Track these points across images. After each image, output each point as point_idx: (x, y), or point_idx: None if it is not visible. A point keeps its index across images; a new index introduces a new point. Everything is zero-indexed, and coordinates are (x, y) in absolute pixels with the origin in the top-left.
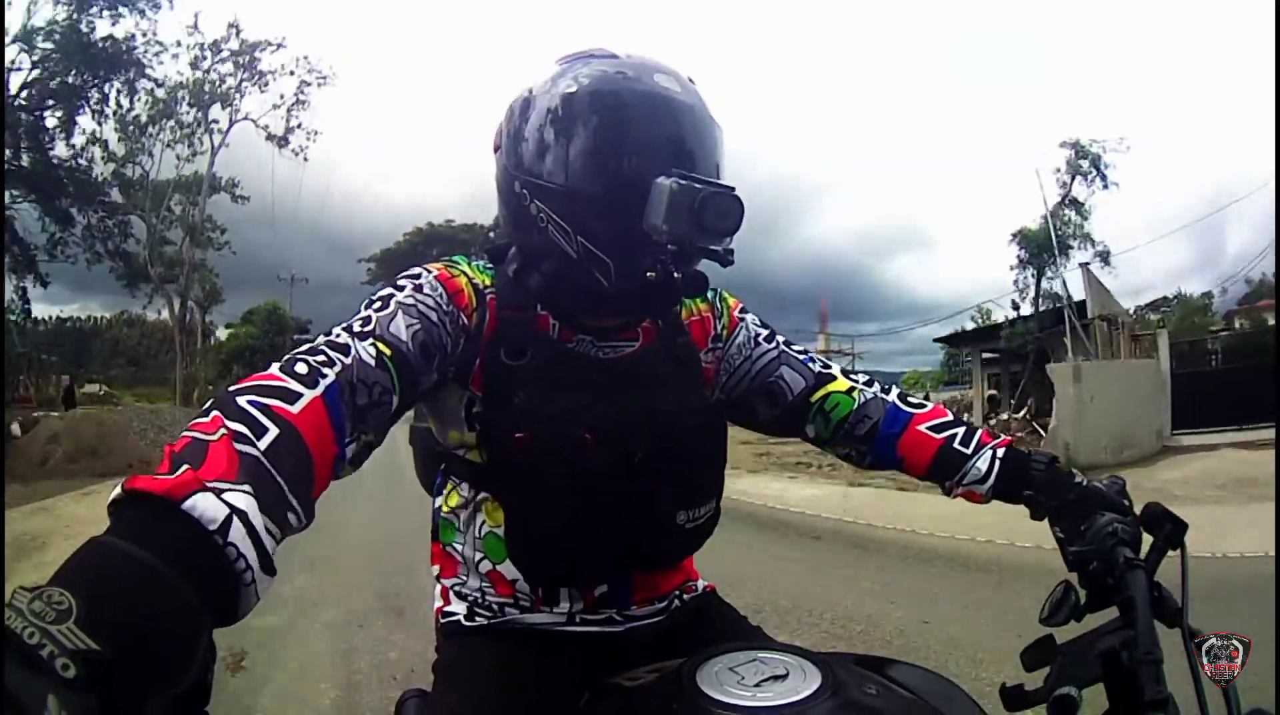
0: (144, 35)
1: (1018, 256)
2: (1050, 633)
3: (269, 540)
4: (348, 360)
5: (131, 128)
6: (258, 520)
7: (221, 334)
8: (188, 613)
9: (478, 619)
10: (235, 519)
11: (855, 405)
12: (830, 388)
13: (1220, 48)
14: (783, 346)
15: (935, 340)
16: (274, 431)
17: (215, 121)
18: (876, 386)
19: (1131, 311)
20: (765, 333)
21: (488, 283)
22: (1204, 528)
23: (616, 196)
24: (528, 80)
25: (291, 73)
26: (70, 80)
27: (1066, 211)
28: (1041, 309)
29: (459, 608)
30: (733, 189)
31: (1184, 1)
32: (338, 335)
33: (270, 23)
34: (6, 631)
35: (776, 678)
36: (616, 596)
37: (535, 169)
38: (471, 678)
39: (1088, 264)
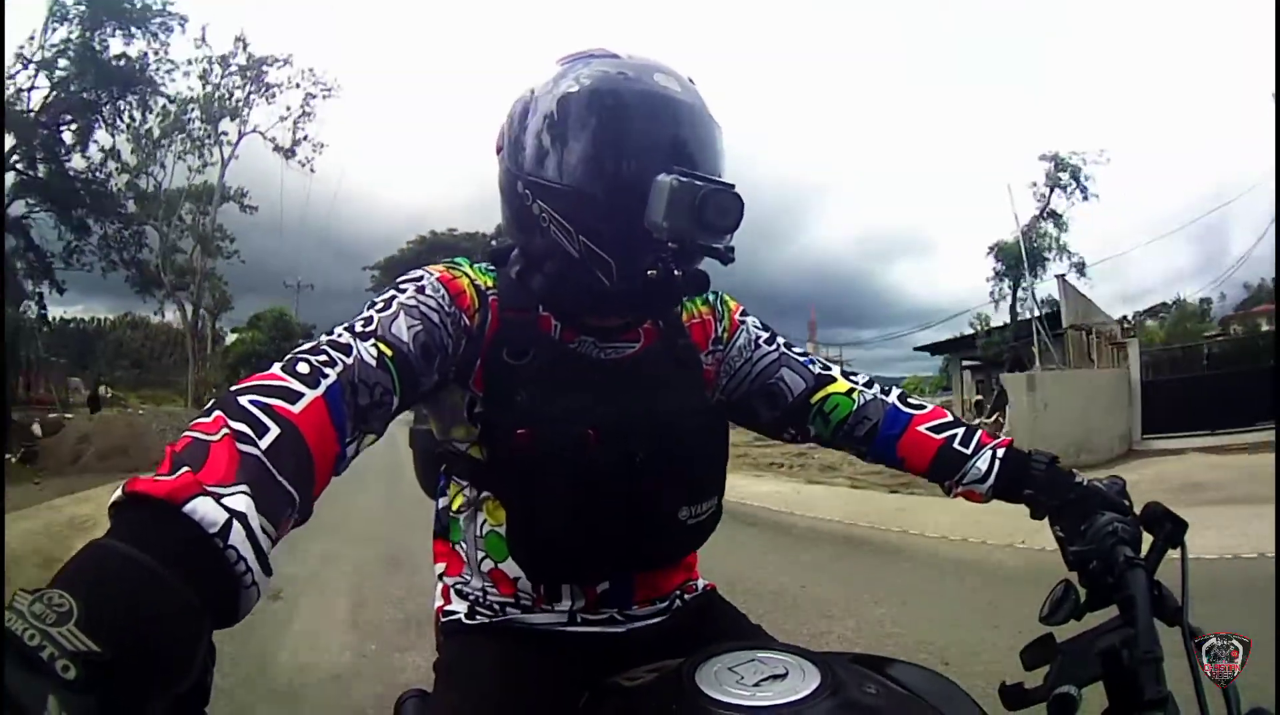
0: (156, 54)
1: (994, 269)
2: (1050, 631)
3: (266, 541)
4: (349, 360)
5: (144, 140)
6: (256, 522)
7: (229, 339)
8: (188, 614)
9: (479, 618)
10: (235, 522)
11: (855, 406)
12: (830, 389)
13: (1221, 48)
14: (783, 348)
15: (916, 348)
16: (275, 431)
17: (225, 133)
18: (877, 388)
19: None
20: (766, 335)
21: (490, 284)
22: None
23: (618, 195)
24: (529, 82)
25: (297, 85)
26: (85, 96)
27: (1044, 224)
28: (1019, 319)
29: (460, 607)
30: (733, 186)
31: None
32: (339, 335)
33: (275, 32)
34: (7, 633)
35: (776, 677)
36: (618, 596)
37: (537, 169)
38: (472, 676)
39: (1063, 275)
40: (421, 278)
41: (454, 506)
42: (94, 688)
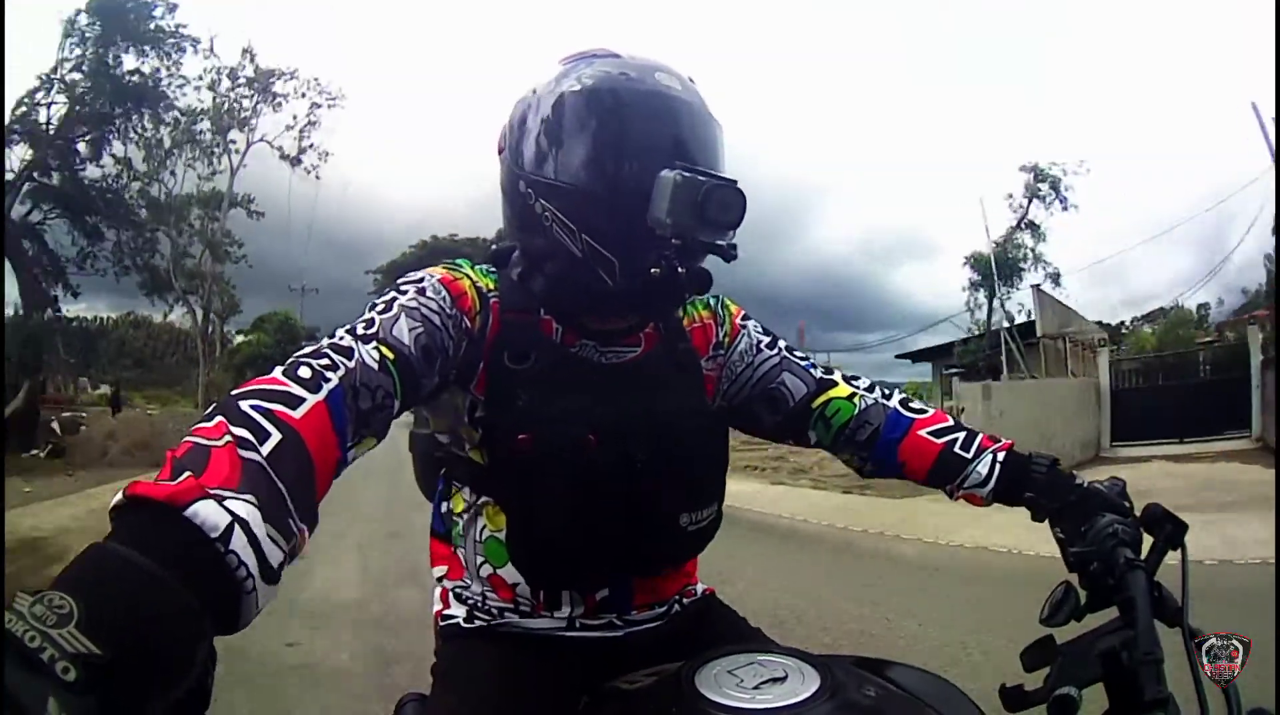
0: (168, 71)
1: (969, 279)
2: (1050, 633)
3: (272, 548)
4: (351, 363)
5: (156, 150)
6: (260, 529)
7: (236, 341)
8: (188, 617)
9: (477, 622)
10: (237, 527)
11: (856, 411)
12: (831, 393)
13: (1223, 49)
14: (784, 353)
15: (897, 356)
16: (276, 437)
17: (233, 142)
18: (878, 392)
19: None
20: (767, 339)
21: (491, 286)
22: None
23: (620, 193)
24: (531, 82)
25: (303, 95)
26: (99, 108)
27: (1022, 234)
28: (993, 329)
29: (459, 611)
30: (735, 182)
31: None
32: (341, 337)
33: (281, 41)
34: (7, 635)
35: (775, 680)
36: (616, 601)
37: (540, 168)
38: (470, 680)
39: (1038, 285)
40: (423, 279)
41: (454, 510)
42: (94, 689)
